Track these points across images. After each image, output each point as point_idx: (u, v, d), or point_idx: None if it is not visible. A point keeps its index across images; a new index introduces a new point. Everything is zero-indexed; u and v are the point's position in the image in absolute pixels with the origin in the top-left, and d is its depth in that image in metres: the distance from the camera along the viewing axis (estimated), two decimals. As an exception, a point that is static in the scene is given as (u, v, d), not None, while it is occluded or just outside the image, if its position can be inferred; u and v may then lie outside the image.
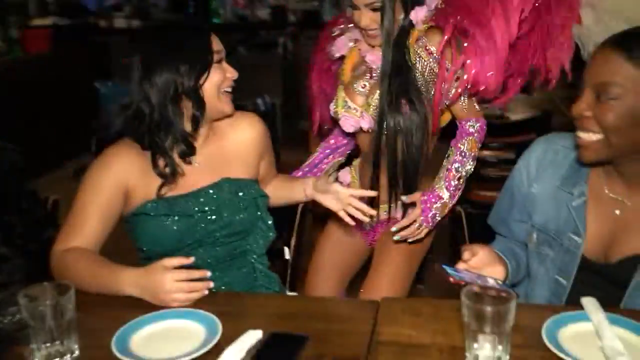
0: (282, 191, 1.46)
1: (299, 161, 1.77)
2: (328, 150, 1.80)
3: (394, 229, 1.52)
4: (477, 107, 1.57)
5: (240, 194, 1.33)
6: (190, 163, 1.29)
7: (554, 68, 1.53)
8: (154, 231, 1.25)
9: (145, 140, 1.25)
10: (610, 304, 1.00)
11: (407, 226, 1.51)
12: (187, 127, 1.26)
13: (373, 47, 1.57)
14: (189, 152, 1.27)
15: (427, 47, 1.51)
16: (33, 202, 1.65)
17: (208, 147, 1.33)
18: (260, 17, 5.10)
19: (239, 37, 4.85)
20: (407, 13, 1.51)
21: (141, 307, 1.05)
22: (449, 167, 1.53)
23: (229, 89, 1.29)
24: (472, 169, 1.56)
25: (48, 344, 0.91)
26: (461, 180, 1.54)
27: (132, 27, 5.07)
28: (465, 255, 1.13)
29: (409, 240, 1.52)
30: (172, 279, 1.06)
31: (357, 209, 1.29)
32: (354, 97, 1.59)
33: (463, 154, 1.53)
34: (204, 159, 1.32)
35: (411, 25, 1.52)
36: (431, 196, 1.51)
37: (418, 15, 1.52)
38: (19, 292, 0.94)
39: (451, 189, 1.53)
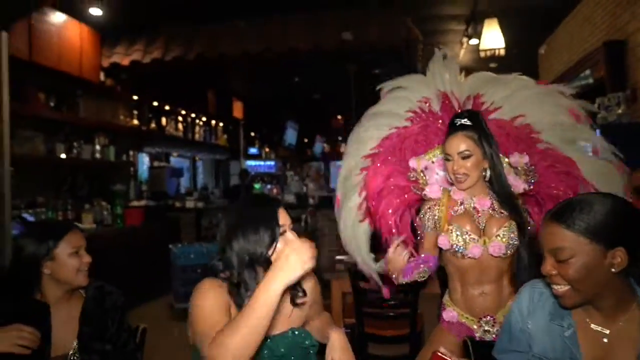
0: (317, 334, 1.52)
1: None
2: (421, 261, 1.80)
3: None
4: None
5: (306, 342, 1.39)
6: None
7: None
8: None
9: (232, 290, 1.28)
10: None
11: None
12: None
13: (463, 190, 1.75)
14: None
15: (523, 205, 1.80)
16: (128, 335, 1.69)
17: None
18: (288, 200, 6.36)
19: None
20: (492, 166, 1.71)
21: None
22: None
23: None
24: None
25: None
26: None
27: (198, 207, 6.32)
28: None
29: None
30: (311, 245, 1.11)
31: None
32: (467, 230, 1.73)
33: None
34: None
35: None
36: None
37: (518, 184, 1.79)
38: None
39: None
